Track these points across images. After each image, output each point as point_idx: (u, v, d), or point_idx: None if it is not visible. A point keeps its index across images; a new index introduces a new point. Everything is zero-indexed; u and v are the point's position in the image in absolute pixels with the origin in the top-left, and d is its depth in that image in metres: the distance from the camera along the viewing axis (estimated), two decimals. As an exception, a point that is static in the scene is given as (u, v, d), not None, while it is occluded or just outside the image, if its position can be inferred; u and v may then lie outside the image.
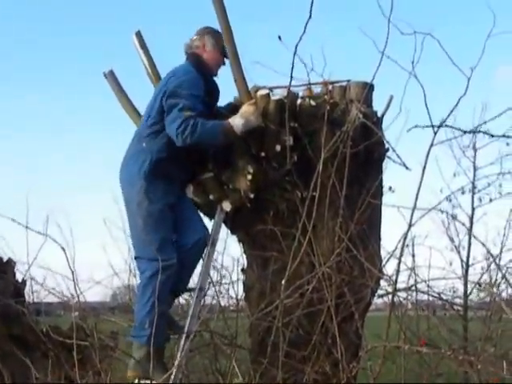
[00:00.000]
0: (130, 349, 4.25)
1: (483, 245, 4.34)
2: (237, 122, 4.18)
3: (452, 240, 6.37)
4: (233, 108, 4.42)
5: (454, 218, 5.58)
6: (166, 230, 4.21)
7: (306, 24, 3.74)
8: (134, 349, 4.15)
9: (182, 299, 5.19)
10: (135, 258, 4.34)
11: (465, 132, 4.21)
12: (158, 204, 4.17)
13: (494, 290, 4.77)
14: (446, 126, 3.94)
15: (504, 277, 4.82)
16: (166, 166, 4.21)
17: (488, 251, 4.71)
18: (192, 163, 4.37)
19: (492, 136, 4.39)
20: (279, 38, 4.19)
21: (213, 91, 4.44)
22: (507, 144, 6.29)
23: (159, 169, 4.20)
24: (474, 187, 6.80)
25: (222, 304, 5.16)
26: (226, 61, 4.43)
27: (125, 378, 4.18)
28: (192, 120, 4.05)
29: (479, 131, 4.32)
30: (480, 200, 6.84)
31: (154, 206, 4.16)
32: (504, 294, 4.96)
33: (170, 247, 4.17)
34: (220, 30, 4.30)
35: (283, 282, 4.15)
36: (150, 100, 4.39)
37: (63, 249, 4.40)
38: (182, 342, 4.06)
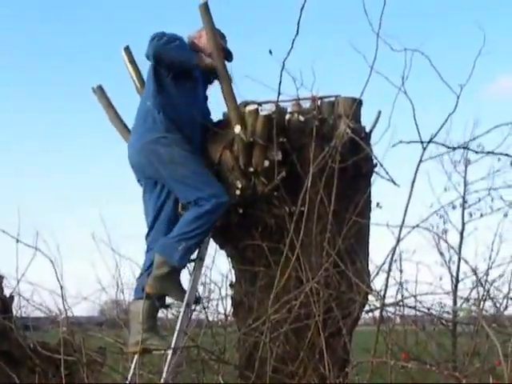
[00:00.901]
0: (118, 364, 4.24)
1: (466, 262, 4.35)
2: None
3: (442, 254, 6.41)
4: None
5: (440, 236, 5.60)
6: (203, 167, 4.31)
7: (293, 40, 3.78)
8: (157, 263, 4.17)
9: (170, 314, 5.18)
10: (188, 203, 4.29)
11: (449, 148, 4.25)
12: (177, 147, 4.25)
13: (474, 308, 4.77)
14: (432, 142, 3.96)
15: (487, 293, 4.84)
16: (175, 116, 4.29)
17: (472, 269, 4.73)
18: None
19: (476, 152, 4.43)
20: (270, 52, 4.22)
21: (208, 73, 4.47)
22: (499, 159, 6.35)
23: (170, 120, 4.27)
24: (464, 202, 6.84)
25: (210, 319, 5.15)
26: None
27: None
28: (165, 37, 4.23)
29: (464, 148, 4.35)
30: (470, 215, 6.89)
31: (174, 149, 4.23)
32: (489, 311, 4.96)
33: (217, 184, 4.26)
34: (210, 47, 4.34)
35: (271, 297, 4.15)
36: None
37: (52, 262, 4.41)
38: (169, 357, 4.04)
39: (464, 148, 4.39)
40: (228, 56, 4.54)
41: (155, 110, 4.31)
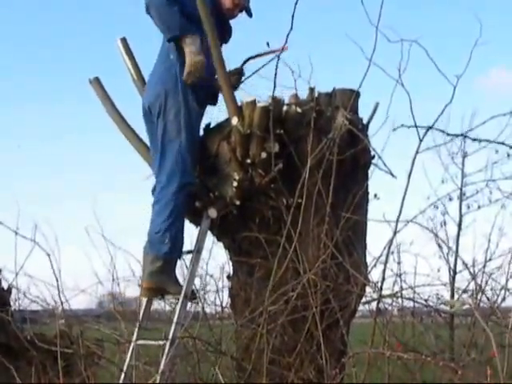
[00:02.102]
0: (115, 356, 4.24)
1: (461, 259, 4.34)
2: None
3: (440, 246, 6.38)
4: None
5: (434, 233, 5.60)
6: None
7: (288, 35, 3.79)
8: (149, 261, 4.22)
9: (167, 305, 5.18)
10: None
11: (448, 135, 4.24)
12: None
13: (469, 300, 4.77)
14: (433, 128, 3.96)
15: (485, 284, 4.84)
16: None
17: (464, 263, 4.72)
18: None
19: (480, 141, 4.41)
20: (267, 44, 4.22)
21: (224, 30, 4.50)
22: (496, 151, 6.32)
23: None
24: (462, 194, 6.82)
25: (208, 311, 5.15)
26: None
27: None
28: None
29: (466, 136, 4.34)
30: (468, 207, 6.86)
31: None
32: (486, 303, 4.95)
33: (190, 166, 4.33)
34: (209, 40, 4.31)
35: (268, 288, 4.15)
36: None
37: (48, 255, 4.42)
38: (167, 348, 4.04)
39: (462, 136, 4.37)
40: (248, 13, 4.59)
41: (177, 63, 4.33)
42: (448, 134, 4.28)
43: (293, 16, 3.73)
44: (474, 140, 4.35)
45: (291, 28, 3.77)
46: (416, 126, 3.95)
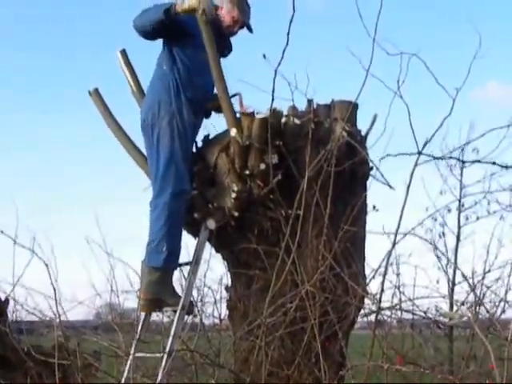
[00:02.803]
0: (112, 368, 4.22)
1: (459, 270, 4.34)
2: None
3: (438, 258, 6.37)
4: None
5: (433, 244, 5.60)
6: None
7: (284, 50, 3.81)
8: (147, 272, 4.22)
9: (165, 317, 5.16)
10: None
11: (435, 158, 4.25)
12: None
13: (468, 313, 4.76)
14: (422, 154, 3.97)
15: (483, 297, 4.83)
16: (188, 88, 4.36)
17: (463, 275, 4.72)
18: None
19: (463, 162, 4.41)
20: (264, 56, 4.22)
21: (223, 45, 4.51)
22: (493, 163, 6.33)
23: (184, 90, 4.35)
24: (460, 205, 6.82)
25: (206, 323, 5.13)
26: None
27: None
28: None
29: (450, 158, 4.34)
30: (467, 218, 6.87)
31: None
32: (485, 315, 4.94)
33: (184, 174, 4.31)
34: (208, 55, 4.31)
35: (267, 300, 4.14)
36: None
37: (46, 265, 4.41)
38: (164, 360, 4.02)
39: (450, 158, 4.37)
40: (248, 29, 4.61)
41: (171, 74, 4.38)
42: (435, 158, 4.27)
43: (288, 33, 3.77)
44: (472, 162, 4.35)
45: (287, 44, 3.80)
46: (404, 154, 3.96)
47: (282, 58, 3.85)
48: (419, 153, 3.98)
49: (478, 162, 4.49)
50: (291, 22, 3.79)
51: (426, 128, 4.15)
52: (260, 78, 4.46)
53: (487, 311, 4.80)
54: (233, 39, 4.66)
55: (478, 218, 6.77)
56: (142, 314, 4.36)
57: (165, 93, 4.38)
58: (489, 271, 5.59)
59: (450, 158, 4.33)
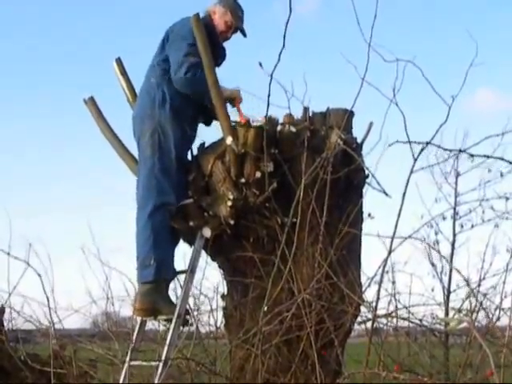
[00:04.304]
0: (108, 376, 4.21)
1: (459, 272, 4.35)
2: None
3: (433, 265, 6.38)
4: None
5: (431, 246, 5.59)
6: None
7: (280, 53, 3.79)
8: (140, 288, 4.23)
9: (161, 326, 5.15)
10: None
11: (444, 150, 4.24)
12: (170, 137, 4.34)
13: (466, 318, 4.76)
14: (430, 143, 3.95)
15: (480, 304, 4.82)
16: (177, 100, 4.38)
17: (465, 279, 4.72)
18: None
19: (473, 156, 4.40)
20: (260, 64, 4.22)
21: (217, 54, 4.52)
22: (489, 170, 6.34)
23: (172, 102, 4.37)
24: (455, 213, 6.82)
25: (202, 331, 5.12)
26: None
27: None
28: (199, 70, 4.27)
29: (461, 151, 4.33)
30: (462, 226, 6.87)
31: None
32: (482, 322, 4.95)
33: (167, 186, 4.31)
34: (203, 61, 4.32)
35: (263, 308, 4.13)
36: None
37: (40, 276, 4.41)
38: (160, 369, 4.01)
39: (461, 152, 4.35)
40: (242, 33, 4.67)
41: (158, 87, 4.41)
42: (444, 149, 4.28)
43: (284, 36, 3.74)
44: (472, 156, 4.35)
45: (283, 46, 3.77)
46: (410, 142, 3.93)
47: (278, 61, 3.83)
48: (427, 143, 3.96)
49: (487, 157, 4.48)
50: (287, 23, 3.77)
51: (422, 135, 4.15)
52: (256, 85, 4.49)
53: (487, 316, 4.80)
54: (227, 45, 4.69)
55: (472, 226, 6.77)
56: (138, 320, 4.35)
57: (150, 106, 4.41)
58: (484, 278, 5.59)
59: (460, 151, 4.31)
